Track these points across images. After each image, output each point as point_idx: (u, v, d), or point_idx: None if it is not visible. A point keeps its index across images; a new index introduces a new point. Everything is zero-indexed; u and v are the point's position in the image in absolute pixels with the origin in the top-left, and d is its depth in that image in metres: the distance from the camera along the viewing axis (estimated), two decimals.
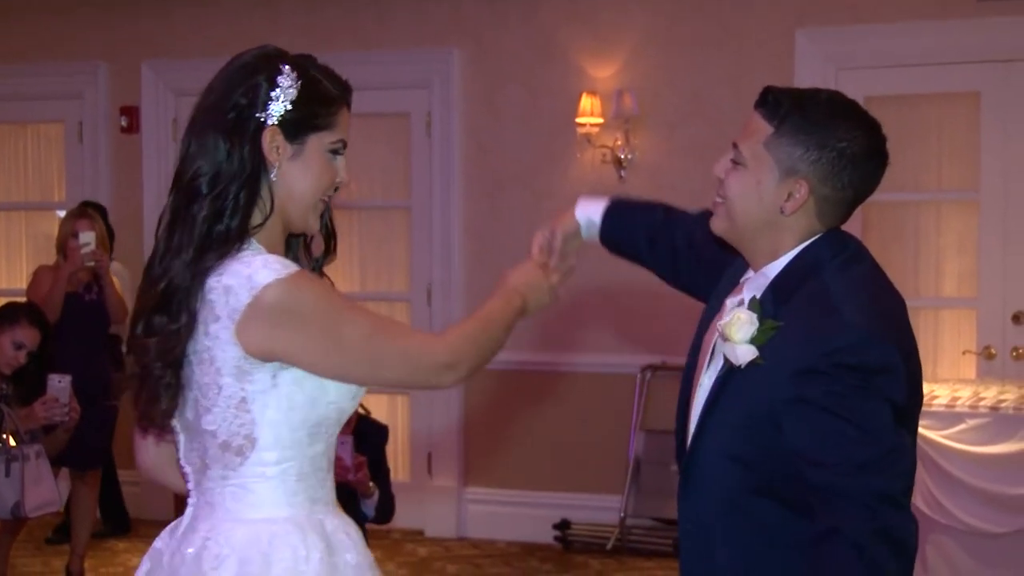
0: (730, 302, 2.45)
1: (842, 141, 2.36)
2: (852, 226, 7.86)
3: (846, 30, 7.36)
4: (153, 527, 8.21)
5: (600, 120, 7.63)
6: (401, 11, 8.14)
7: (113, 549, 7.76)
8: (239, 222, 2.53)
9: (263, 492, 2.54)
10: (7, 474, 5.61)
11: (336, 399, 2.54)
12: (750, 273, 2.49)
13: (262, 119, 2.53)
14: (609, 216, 2.88)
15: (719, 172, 2.49)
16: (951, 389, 6.20)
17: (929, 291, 7.38)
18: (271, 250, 2.55)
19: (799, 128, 2.36)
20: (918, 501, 5.63)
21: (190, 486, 2.62)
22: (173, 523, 2.67)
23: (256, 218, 2.55)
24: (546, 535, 7.72)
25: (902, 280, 7.36)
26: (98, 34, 8.71)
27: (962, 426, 5.66)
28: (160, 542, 2.68)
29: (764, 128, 2.39)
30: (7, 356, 5.85)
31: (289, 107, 2.53)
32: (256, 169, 2.54)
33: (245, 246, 2.53)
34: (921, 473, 5.65)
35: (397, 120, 8.17)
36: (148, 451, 2.78)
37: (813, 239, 2.38)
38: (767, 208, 2.36)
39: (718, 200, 2.48)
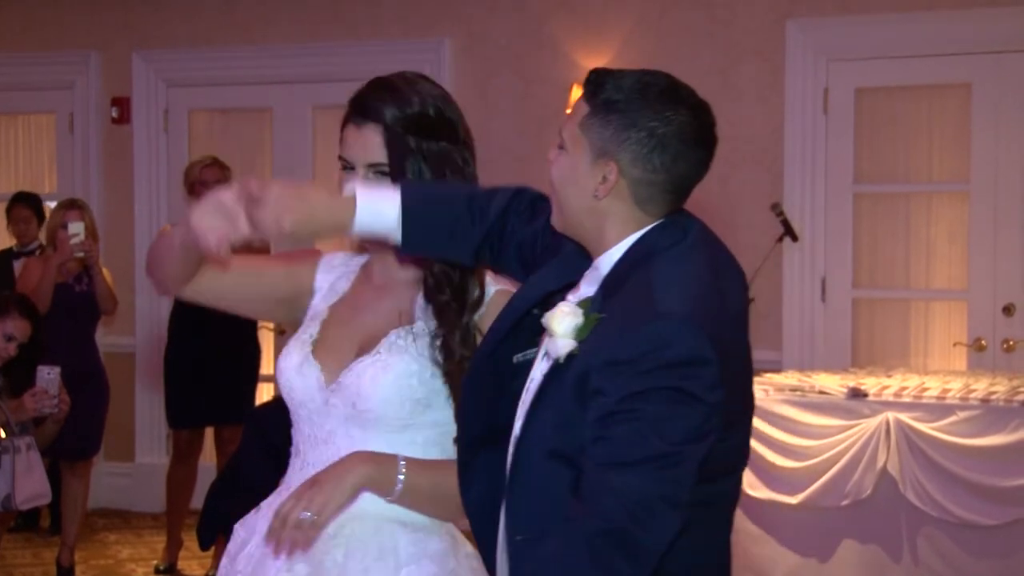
0: (571, 297, 2.32)
1: (652, 121, 2.23)
2: (843, 216, 7.84)
3: (837, 21, 7.36)
4: (145, 519, 8.25)
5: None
6: (391, 1, 8.12)
7: (104, 541, 7.75)
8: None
9: None
10: None
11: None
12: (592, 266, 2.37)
13: None
14: (409, 221, 2.42)
15: (549, 157, 2.35)
16: (942, 381, 6.20)
17: (920, 283, 7.39)
18: (374, 256, 2.72)
19: (610, 108, 2.25)
20: (909, 493, 5.64)
21: None
22: None
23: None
24: None
25: (892, 272, 7.38)
26: (89, 24, 8.69)
27: (953, 418, 5.67)
28: None
29: (582, 109, 2.28)
30: None
31: None
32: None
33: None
34: (912, 465, 5.65)
35: None
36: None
37: (649, 228, 2.24)
38: (584, 193, 2.23)
39: (551, 192, 2.38)
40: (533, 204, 2.50)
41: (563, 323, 2.22)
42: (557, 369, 2.23)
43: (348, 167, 2.61)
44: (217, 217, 2.34)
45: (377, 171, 2.58)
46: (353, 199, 2.39)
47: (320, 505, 2.40)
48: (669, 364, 2.07)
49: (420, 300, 2.64)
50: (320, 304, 2.75)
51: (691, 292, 2.16)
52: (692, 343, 2.08)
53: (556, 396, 2.21)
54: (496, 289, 2.65)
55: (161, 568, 7.06)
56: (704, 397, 2.08)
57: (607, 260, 2.26)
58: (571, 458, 2.17)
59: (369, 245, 2.70)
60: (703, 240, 2.28)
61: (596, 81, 2.29)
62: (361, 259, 2.78)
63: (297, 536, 2.41)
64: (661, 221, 2.25)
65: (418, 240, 2.42)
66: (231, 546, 2.75)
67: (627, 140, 2.20)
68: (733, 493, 2.33)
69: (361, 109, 2.60)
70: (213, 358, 6.88)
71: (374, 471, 2.49)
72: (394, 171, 2.55)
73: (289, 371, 2.69)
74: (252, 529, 2.70)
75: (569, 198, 2.27)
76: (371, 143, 2.58)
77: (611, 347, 2.12)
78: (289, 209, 2.34)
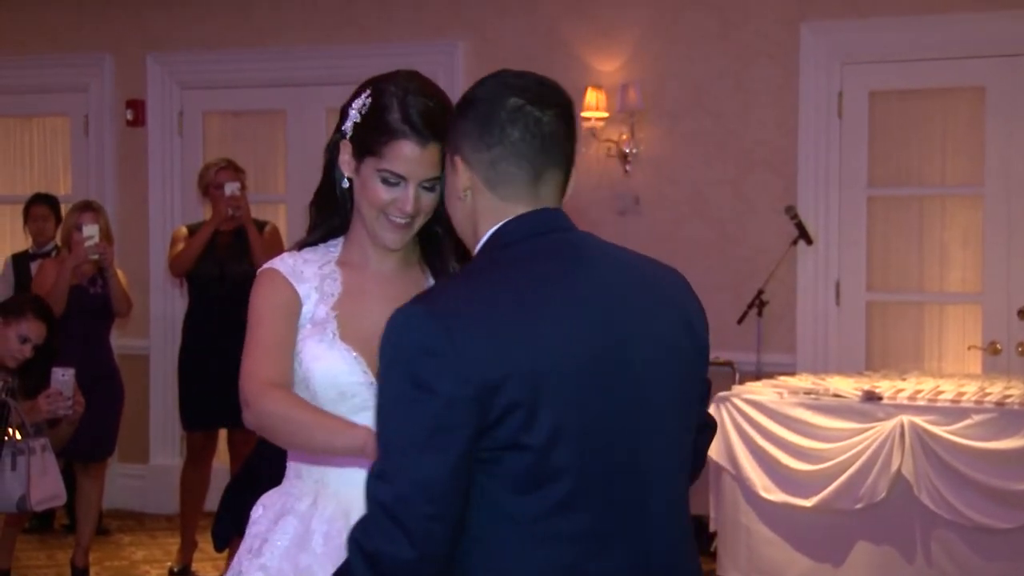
0: None
1: (475, 108, 2.26)
2: (856, 219, 7.82)
3: (850, 24, 7.35)
4: (159, 520, 8.26)
5: (605, 114, 7.63)
6: (404, 4, 8.14)
7: (118, 543, 7.77)
8: (316, 219, 2.89)
9: None
10: (13, 468, 5.62)
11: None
12: None
13: (344, 132, 2.78)
14: None
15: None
16: (956, 384, 6.20)
17: (934, 286, 7.38)
18: (357, 247, 2.84)
19: (455, 116, 2.33)
20: (923, 497, 5.63)
21: None
22: None
23: (334, 220, 2.86)
24: None
25: (906, 275, 7.36)
26: (103, 27, 8.71)
27: (967, 421, 5.66)
28: None
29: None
30: (13, 349, 5.85)
31: (356, 127, 2.75)
32: (330, 174, 2.84)
33: (330, 240, 2.88)
34: (926, 469, 5.65)
35: None
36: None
37: (507, 220, 2.23)
38: (456, 199, 2.28)
39: None
40: None
41: None
42: None
43: (394, 182, 2.70)
44: None
45: (425, 185, 2.71)
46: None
47: None
48: (405, 348, 2.06)
49: (431, 281, 2.82)
50: (318, 309, 2.80)
51: (464, 286, 2.16)
52: (426, 331, 2.05)
53: None
54: None
55: (175, 570, 7.07)
56: (437, 389, 2.02)
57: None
58: None
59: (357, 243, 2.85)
60: (530, 242, 2.21)
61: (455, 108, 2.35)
62: (319, 257, 2.86)
63: None
64: (522, 214, 2.23)
65: None
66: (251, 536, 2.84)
67: (463, 133, 2.26)
68: (560, 513, 2.09)
69: (431, 129, 2.66)
70: (227, 360, 6.86)
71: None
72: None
73: (331, 368, 2.73)
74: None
75: (453, 212, 2.34)
76: (434, 161, 2.67)
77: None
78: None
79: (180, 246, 6.98)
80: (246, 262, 6.72)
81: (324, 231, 2.89)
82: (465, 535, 2.08)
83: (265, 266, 2.86)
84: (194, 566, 7.13)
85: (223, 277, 6.87)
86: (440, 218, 2.68)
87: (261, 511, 2.89)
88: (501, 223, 2.23)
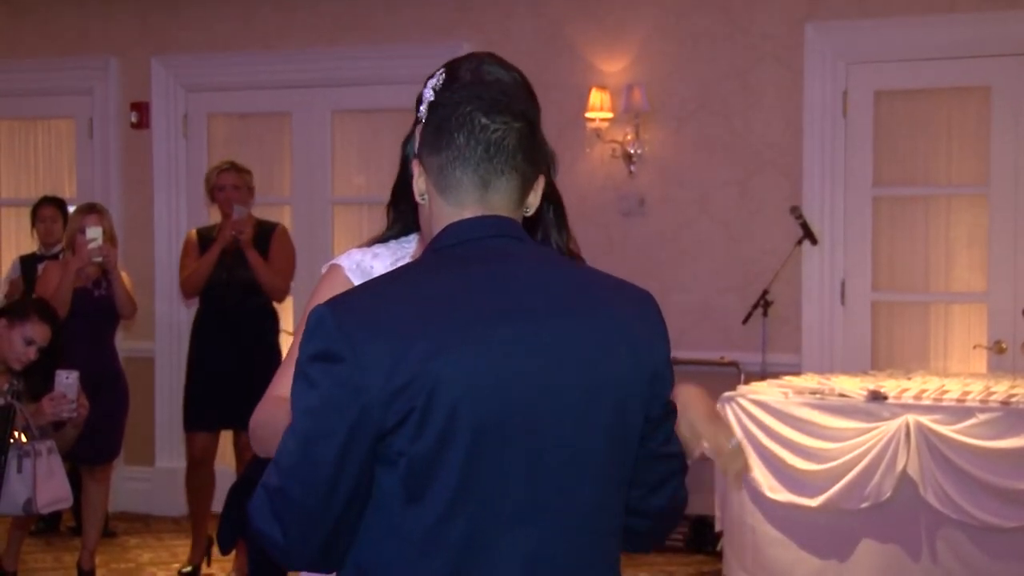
0: None
1: (437, 110, 2.22)
2: (862, 219, 7.83)
3: (856, 24, 7.35)
4: (165, 523, 8.27)
5: (610, 115, 7.63)
6: (409, 6, 8.14)
7: (124, 545, 7.77)
8: (393, 216, 2.67)
9: None
10: (19, 470, 5.62)
11: None
12: None
13: (420, 117, 2.55)
14: None
15: None
16: (962, 384, 6.19)
17: (939, 286, 7.37)
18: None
19: (419, 122, 2.33)
20: (929, 496, 5.63)
21: None
22: None
23: (411, 215, 2.58)
24: None
25: (911, 275, 7.36)
26: (108, 29, 8.72)
27: (973, 420, 5.66)
28: None
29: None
30: (17, 352, 5.85)
31: (432, 105, 2.40)
32: (406, 169, 2.61)
33: (406, 235, 2.65)
34: (932, 468, 5.64)
35: (407, 115, 8.15)
36: None
37: (459, 220, 2.18)
38: (420, 203, 2.27)
39: None
40: None
41: None
42: None
43: None
44: None
45: None
46: None
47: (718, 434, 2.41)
48: (304, 347, 2.07)
49: None
50: None
51: (384, 286, 2.14)
52: (329, 335, 2.05)
53: None
54: None
55: (185, 571, 7.07)
56: (320, 384, 2.03)
57: None
58: None
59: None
60: (468, 248, 2.17)
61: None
62: (392, 252, 2.65)
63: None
64: (465, 219, 2.19)
65: None
66: None
67: (423, 136, 2.24)
68: (443, 522, 2.06)
69: None
70: (233, 363, 6.89)
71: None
72: None
73: None
74: None
75: (419, 216, 2.32)
76: None
77: None
78: None
79: (191, 259, 7.00)
80: (247, 269, 6.83)
81: (401, 226, 2.66)
82: (356, 548, 2.10)
83: (330, 262, 2.63)
84: (204, 568, 7.13)
85: (230, 283, 6.89)
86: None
87: None
88: (442, 228, 2.19)
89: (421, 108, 2.55)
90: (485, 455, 2.04)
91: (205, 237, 7.05)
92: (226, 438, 7.23)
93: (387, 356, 2.01)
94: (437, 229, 2.20)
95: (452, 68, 2.57)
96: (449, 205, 2.19)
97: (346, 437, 2.02)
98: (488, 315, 2.06)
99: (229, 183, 6.98)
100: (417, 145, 2.27)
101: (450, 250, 2.15)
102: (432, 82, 2.55)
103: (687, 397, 2.42)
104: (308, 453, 2.04)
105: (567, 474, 2.10)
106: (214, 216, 7.53)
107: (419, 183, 2.23)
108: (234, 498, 5.55)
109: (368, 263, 2.59)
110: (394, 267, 2.55)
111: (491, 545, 2.06)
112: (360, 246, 2.67)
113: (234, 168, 7.05)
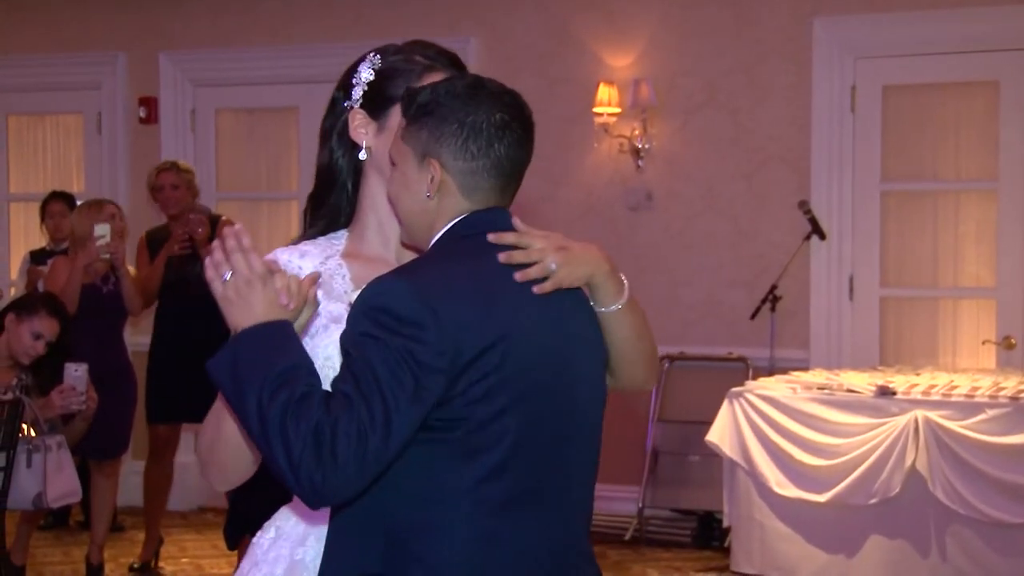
0: None
1: (460, 113, 2.32)
2: (870, 214, 7.80)
3: (864, 18, 7.34)
4: (173, 517, 8.26)
5: (618, 110, 7.63)
6: (416, 0, 8.14)
7: (133, 539, 7.77)
8: (315, 213, 2.67)
9: None
10: (28, 465, 5.62)
11: None
12: None
13: (349, 104, 2.67)
14: None
15: (386, 179, 2.49)
16: (971, 379, 6.19)
17: (948, 281, 7.36)
18: (370, 237, 2.61)
19: (423, 113, 2.35)
20: (937, 492, 5.62)
21: None
22: None
23: (336, 210, 2.65)
24: None
25: (920, 270, 7.35)
26: (116, 25, 8.72)
27: (982, 416, 5.65)
28: None
29: (402, 123, 2.40)
30: (26, 346, 5.86)
31: (371, 84, 2.65)
32: (329, 163, 2.66)
33: (333, 231, 2.63)
34: (941, 464, 5.64)
35: None
36: None
37: (458, 219, 2.34)
38: (417, 196, 2.36)
39: (392, 207, 2.50)
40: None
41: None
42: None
43: None
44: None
45: None
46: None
47: (569, 264, 2.36)
48: (387, 313, 2.15)
49: None
50: (335, 307, 2.49)
51: (435, 270, 2.25)
52: (409, 303, 2.15)
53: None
54: None
55: (135, 566, 7.07)
56: (420, 357, 2.13)
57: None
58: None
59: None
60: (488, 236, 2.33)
61: (409, 95, 2.40)
62: (321, 250, 2.58)
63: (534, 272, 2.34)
64: (471, 212, 2.34)
65: None
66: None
67: (442, 136, 2.32)
68: (491, 480, 2.22)
69: (458, 66, 2.63)
70: (195, 353, 6.86)
71: (612, 269, 2.44)
72: None
73: None
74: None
75: (404, 205, 2.39)
76: None
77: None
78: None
79: (142, 263, 7.08)
80: (198, 264, 6.81)
81: (326, 222, 2.61)
82: (388, 515, 2.20)
83: None
84: (207, 564, 7.14)
85: (180, 280, 6.91)
86: None
87: (274, 534, 2.62)
88: (459, 218, 2.33)
89: (354, 92, 2.66)
90: (537, 417, 2.25)
91: (155, 239, 7.07)
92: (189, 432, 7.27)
93: (465, 322, 2.16)
94: (441, 222, 2.34)
95: (383, 49, 2.65)
96: (470, 203, 2.34)
97: (416, 391, 2.12)
98: (526, 291, 2.28)
99: (168, 183, 7.00)
100: (423, 141, 2.32)
101: (477, 238, 2.31)
102: (364, 66, 2.66)
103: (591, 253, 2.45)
104: (385, 398, 2.11)
105: (584, 447, 2.40)
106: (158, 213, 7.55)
107: (435, 181, 2.32)
108: (238, 494, 5.55)
109: (296, 263, 2.52)
110: (325, 265, 2.54)
111: (532, 502, 2.25)
112: (286, 245, 2.61)
113: (175, 168, 7.08)
